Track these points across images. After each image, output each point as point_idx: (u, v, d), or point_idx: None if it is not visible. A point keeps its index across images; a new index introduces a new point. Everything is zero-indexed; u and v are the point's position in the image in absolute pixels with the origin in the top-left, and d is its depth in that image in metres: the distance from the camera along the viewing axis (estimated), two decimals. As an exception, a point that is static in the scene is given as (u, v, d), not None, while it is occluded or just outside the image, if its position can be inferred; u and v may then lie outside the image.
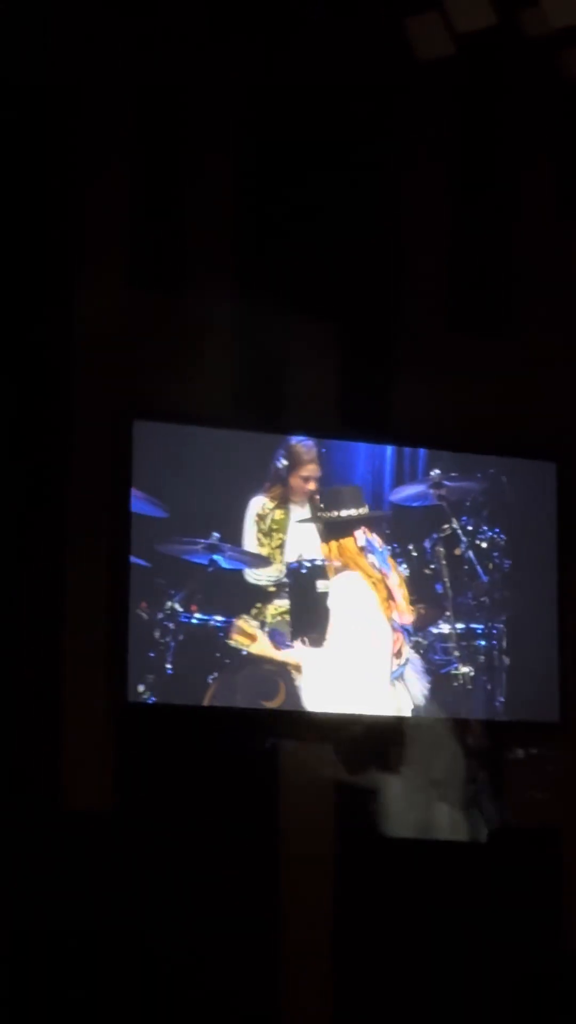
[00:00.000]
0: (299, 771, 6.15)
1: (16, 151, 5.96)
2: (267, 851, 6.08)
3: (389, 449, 6.46)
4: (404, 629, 6.33)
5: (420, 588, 6.41)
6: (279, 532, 6.18)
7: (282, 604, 6.25)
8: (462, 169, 6.80)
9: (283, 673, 6.21)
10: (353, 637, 6.24)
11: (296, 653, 6.25)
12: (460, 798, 6.33)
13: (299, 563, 6.21)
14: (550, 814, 6.51)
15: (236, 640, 6.18)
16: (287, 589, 6.20)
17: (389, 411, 6.50)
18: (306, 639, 6.23)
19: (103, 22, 6.01)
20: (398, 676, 6.31)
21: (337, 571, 6.24)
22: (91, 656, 5.96)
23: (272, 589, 6.22)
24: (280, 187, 6.36)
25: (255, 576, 6.20)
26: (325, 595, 6.17)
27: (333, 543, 6.21)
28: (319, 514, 6.22)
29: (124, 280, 6.15)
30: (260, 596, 6.25)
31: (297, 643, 6.26)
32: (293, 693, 6.23)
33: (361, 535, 6.23)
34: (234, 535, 6.22)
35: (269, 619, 6.22)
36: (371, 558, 6.24)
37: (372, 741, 6.27)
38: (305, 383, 6.35)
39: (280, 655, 6.19)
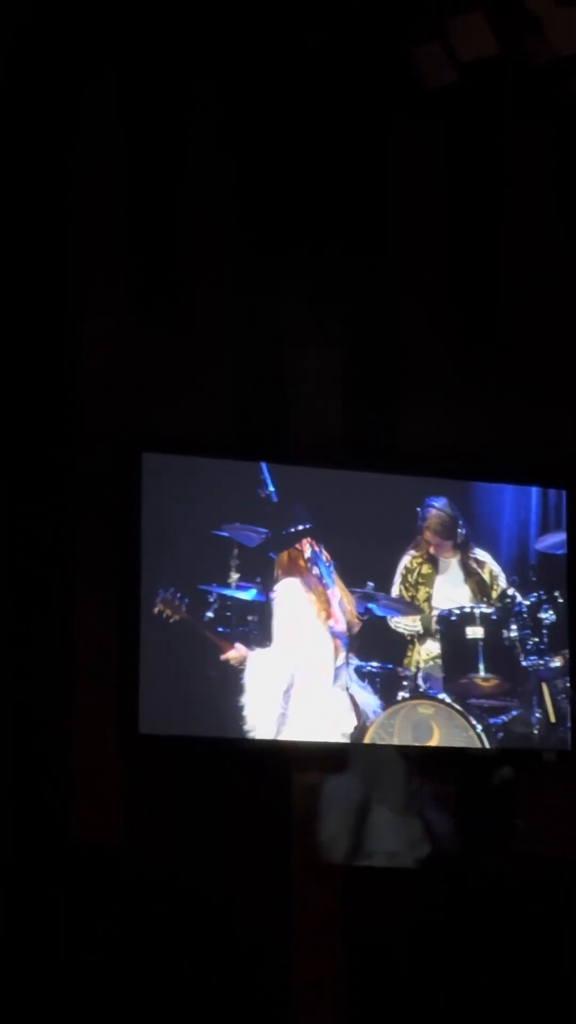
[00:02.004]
0: (312, 801, 6.22)
1: (18, 184, 6.02)
2: (278, 884, 6.14)
3: (534, 497, 6.65)
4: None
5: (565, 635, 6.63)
6: (425, 586, 6.45)
7: (431, 650, 6.44)
8: (465, 200, 6.75)
9: (438, 715, 6.41)
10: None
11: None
12: (471, 827, 6.40)
13: (449, 611, 6.47)
14: (559, 844, 6.52)
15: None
16: (436, 636, 6.45)
17: (395, 439, 6.57)
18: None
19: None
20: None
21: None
22: (102, 687, 6.03)
23: (409, 637, 6.44)
24: (281, 216, 6.39)
25: (396, 623, 6.45)
26: (476, 641, 6.44)
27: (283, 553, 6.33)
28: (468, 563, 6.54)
29: (127, 313, 6.21)
30: (403, 643, 6.46)
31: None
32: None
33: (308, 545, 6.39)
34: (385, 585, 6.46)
35: (422, 664, 6.44)
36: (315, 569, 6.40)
37: (387, 770, 6.33)
38: (310, 412, 6.44)
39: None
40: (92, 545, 6.02)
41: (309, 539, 6.30)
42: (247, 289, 6.30)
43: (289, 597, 6.26)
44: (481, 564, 6.49)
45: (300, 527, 6.26)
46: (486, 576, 6.49)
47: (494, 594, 6.49)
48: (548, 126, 6.71)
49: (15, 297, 5.94)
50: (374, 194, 6.52)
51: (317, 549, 6.30)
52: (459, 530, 6.47)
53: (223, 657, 6.09)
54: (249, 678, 6.13)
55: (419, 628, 6.38)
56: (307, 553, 6.30)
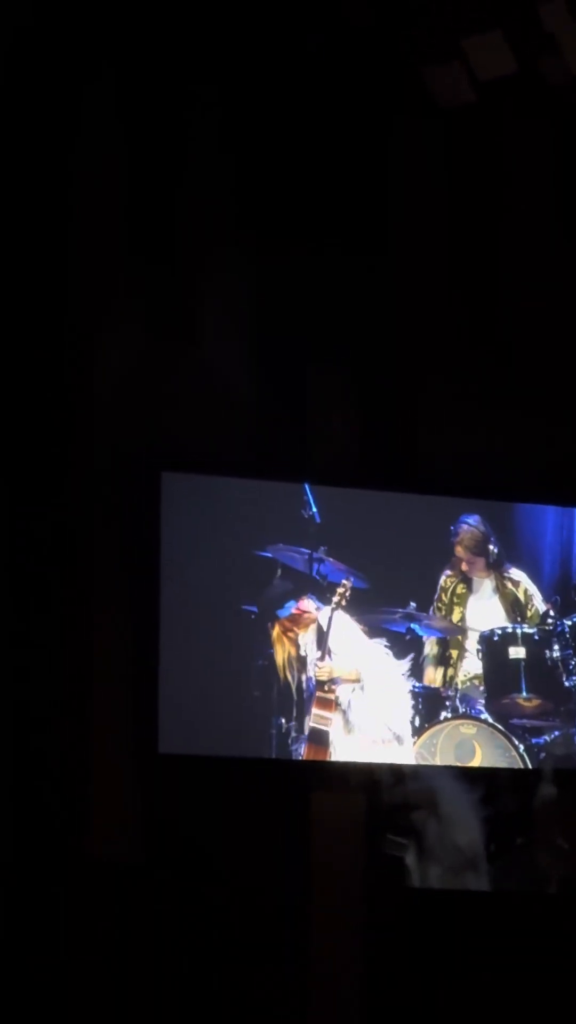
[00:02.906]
0: (330, 822, 6.18)
1: (18, 184, 5.99)
2: (297, 904, 6.10)
3: None
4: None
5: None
6: (459, 605, 6.46)
7: (469, 670, 6.46)
8: (465, 200, 6.72)
9: (480, 735, 6.42)
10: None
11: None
12: (494, 849, 6.32)
13: (491, 630, 6.48)
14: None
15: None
16: (479, 655, 6.46)
17: (413, 458, 6.58)
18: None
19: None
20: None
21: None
22: (120, 707, 6.04)
23: (452, 656, 6.46)
24: (281, 216, 6.37)
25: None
26: (518, 661, 6.44)
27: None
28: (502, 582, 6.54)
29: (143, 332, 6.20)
30: (444, 662, 6.48)
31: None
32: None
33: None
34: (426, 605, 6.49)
35: (460, 685, 6.44)
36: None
37: (404, 790, 6.29)
38: (327, 431, 6.46)
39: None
40: (110, 565, 6.01)
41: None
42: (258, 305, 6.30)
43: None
44: (516, 584, 6.47)
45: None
46: (521, 595, 6.47)
47: (529, 613, 6.47)
48: (548, 126, 6.70)
49: (15, 297, 5.94)
50: (374, 194, 6.50)
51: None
52: (491, 548, 6.45)
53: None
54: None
55: (459, 647, 6.38)
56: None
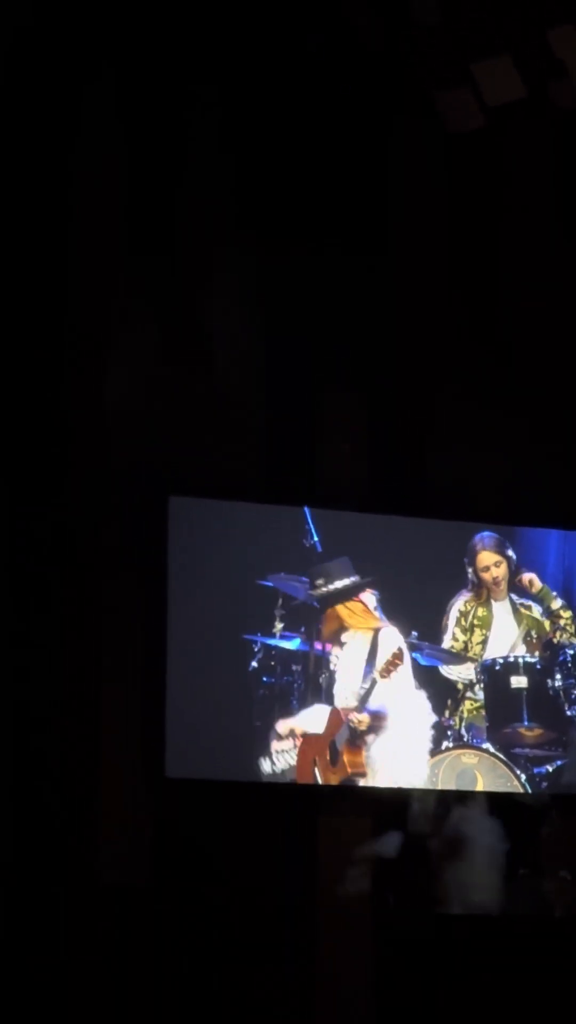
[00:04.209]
0: (338, 846, 6.18)
1: (18, 184, 5.99)
2: (304, 928, 6.12)
3: None
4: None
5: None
6: (482, 628, 6.41)
7: (477, 700, 6.43)
8: (465, 200, 6.73)
9: (481, 765, 6.41)
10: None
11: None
12: (502, 873, 6.28)
13: (493, 660, 6.44)
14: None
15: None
16: (481, 685, 6.42)
17: (423, 482, 6.55)
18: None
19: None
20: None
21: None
22: (128, 731, 6.01)
23: (460, 686, 6.42)
24: (281, 216, 6.37)
25: (448, 672, 6.43)
26: (520, 690, 6.41)
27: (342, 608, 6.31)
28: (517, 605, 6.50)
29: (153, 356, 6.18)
30: (451, 692, 6.43)
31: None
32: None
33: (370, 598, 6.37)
34: (432, 632, 6.42)
35: (466, 715, 6.41)
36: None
37: (411, 814, 6.27)
38: (336, 455, 6.44)
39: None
40: (119, 590, 6.01)
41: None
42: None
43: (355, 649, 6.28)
44: (528, 608, 6.46)
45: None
46: (535, 619, 6.46)
47: (546, 634, 6.46)
48: (548, 126, 6.69)
49: (15, 297, 5.94)
50: (374, 194, 6.50)
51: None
52: (513, 562, 6.44)
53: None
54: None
55: (472, 676, 6.35)
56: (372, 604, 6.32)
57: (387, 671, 6.16)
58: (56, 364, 6.01)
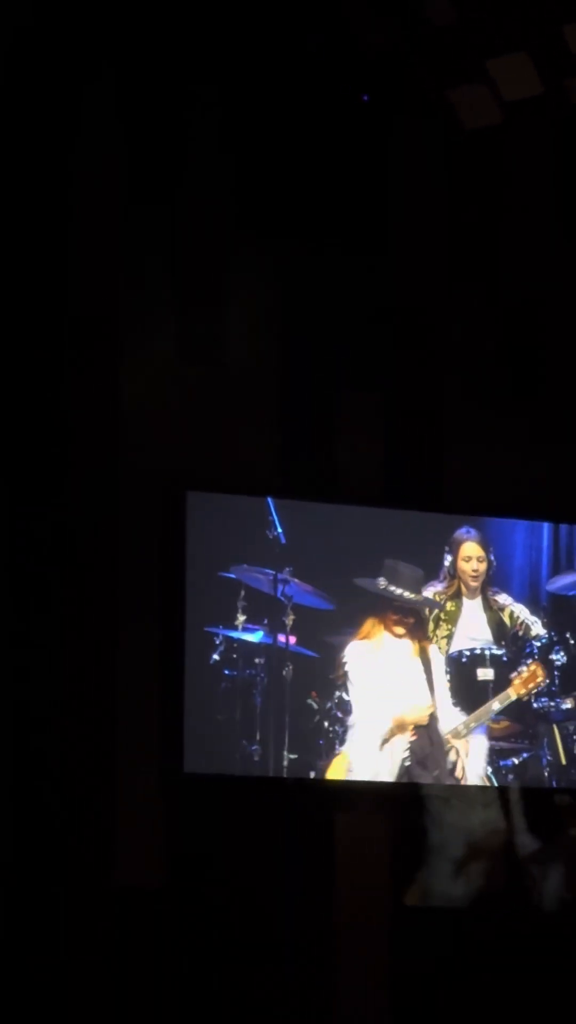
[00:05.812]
0: (354, 842, 6.22)
1: (18, 184, 6.01)
2: (322, 925, 6.15)
3: (545, 539, 6.58)
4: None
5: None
6: (448, 623, 6.40)
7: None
8: (465, 200, 6.74)
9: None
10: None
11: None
12: (520, 867, 6.36)
13: (459, 652, 6.43)
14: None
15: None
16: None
17: (439, 478, 6.58)
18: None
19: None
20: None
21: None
22: (145, 728, 6.06)
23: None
24: (281, 216, 6.39)
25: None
26: (487, 683, 6.42)
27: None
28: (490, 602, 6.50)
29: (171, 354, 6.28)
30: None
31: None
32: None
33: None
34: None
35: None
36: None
37: (427, 810, 6.32)
38: (353, 452, 6.49)
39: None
40: (135, 585, 6.04)
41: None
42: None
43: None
44: (503, 607, 6.44)
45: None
46: (507, 619, 6.44)
47: (521, 632, 6.45)
48: (548, 126, 6.68)
49: (14, 297, 5.95)
50: (374, 194, 6.50)
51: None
52: (492, 560, 6.44)
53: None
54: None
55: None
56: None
57: None
58: (56, 364, 6.01)
